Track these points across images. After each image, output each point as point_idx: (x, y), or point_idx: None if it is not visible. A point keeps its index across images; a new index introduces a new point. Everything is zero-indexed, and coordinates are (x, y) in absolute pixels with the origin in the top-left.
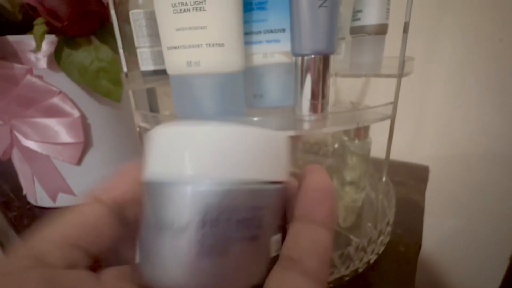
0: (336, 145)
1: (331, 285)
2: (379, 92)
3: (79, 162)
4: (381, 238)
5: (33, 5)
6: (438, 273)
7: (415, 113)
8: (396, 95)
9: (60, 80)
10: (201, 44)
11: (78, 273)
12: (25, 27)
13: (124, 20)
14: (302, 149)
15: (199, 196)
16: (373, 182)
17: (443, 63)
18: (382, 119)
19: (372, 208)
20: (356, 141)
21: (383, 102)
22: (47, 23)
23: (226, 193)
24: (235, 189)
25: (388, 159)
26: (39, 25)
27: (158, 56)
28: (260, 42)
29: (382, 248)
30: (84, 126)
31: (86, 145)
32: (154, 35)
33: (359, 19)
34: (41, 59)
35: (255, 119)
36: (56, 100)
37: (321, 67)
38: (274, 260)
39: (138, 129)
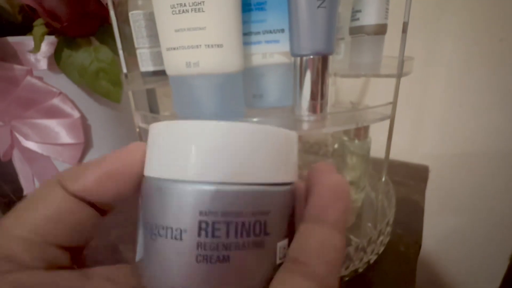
0: (336, 145)
1: None
2: (379, 91)
3: (79, 162)
4: (381, 238)
5: (32, 6)
6: (438, 272)
7: (415, 113)
8: (395, 95)
9: (60, 81)
10: (200, 45)
11: (61, 274)
12: (25, 28)
13: (124, 21)
14: (302, 149)
15: (200, 197)
16: (373, 182)
17: (443, 62)
18: (382, 119)
19: (372, 208)
20: (356, 141)
21: (383, 101)
22: (46, 24)
23: (228, 194)
24: (239, 190)
25: (387, 159)
26: (39, 26)
27: (158, 57)
28: (259, 42)
29: (382, 248)
30: (84, 127)
31: (86, 145)
32: (154, 36)
33: (358, 19)
34: (41, 60)
35: (255, 119)
36: (56, 101)
37: (320, 68)
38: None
39: (138, 130)
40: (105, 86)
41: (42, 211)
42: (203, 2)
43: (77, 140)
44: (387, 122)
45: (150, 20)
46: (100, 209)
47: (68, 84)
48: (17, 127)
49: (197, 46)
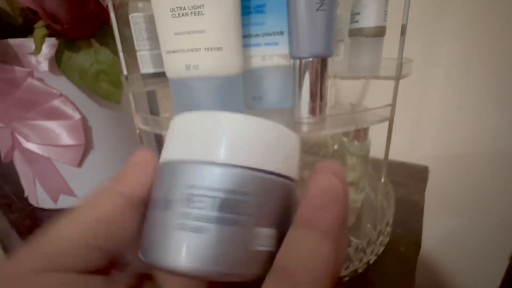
0: (335, 146)
1: None
2: (379, 93)
3: (80, 164)
4: (381, 238)
5: (33, 8)
6: (438, 272)
7: (415, 113)
8: (394, 97)
9: (60, 83)
10: (200, 48)
11: (95, 280)
12: (25, 31)
13: (124, 23)
14: (302, 150)
15: (187, 172)
16: (372, 182)
17: (442, 64)
18: (381, 121)
19: (372, 209)
20: (356, 142)
21: (383, 103)
22: (47, 26)
23: (214, 171)
24: (224, 169)
25: (386, 160)
26: (40, 28)
27: (158, 59)
28: (258, 45)
29: (381, 249)
30: (85, 128)
31: (87, 147)
32: (154, 38)
33: (357, 21)
34: (41, 62)
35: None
36: (57, 103)
37: (319, 70)
38: (262, 256)
39: (138, 131)
40: (105, 88)
41: (92, 214)
42: (203, 5)
43: (78, 141)
44: (386, 123)
45: (150, 23)
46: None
47: (69, 86)
48: (18, 128)
49: (196, 49)
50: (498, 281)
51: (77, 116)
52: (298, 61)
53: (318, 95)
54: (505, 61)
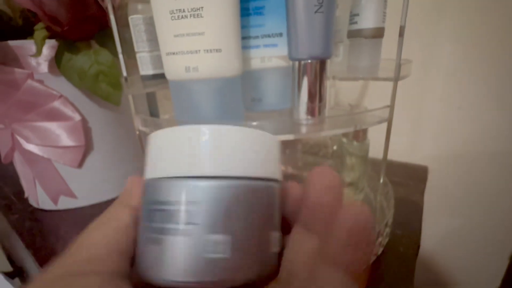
0: (335, 147)
1: None
2: (379, 93)
3: (80, 165)
4: (380, 239)
5: (33, 10)
6: (438, 273)
7: (415, 114)
8: (393, 98)
9: (60, 84)
10: (199, 50)
11: (123, 282)
12: (25, 32)
13: (124, 25)
14: (302, 150)
15: (147, 187)
16: (372, 183)
17: (442, 64)
18: (379, 122)
19: (371, 210)
20: (355, 143)
21: (382, 103)
22: (47, 28)
23: (164, 185)
24: (172, 182)
25: (385, 161)
26: (40, 30)
27: (158, 61)
28: (257, 46)
29: (381, 249)
30: (85, 130)
31: (87, 148)
32: (153, 40)
33: (356, 22)
34: (41, 64)
35: (254, 123)
36: (56, 104)
37: (317, 71)
38: (216, 263)
39: (137, 133)
40: (105, 89)
41: (112, 224)
42: (202, 7)
43: (78, 142)
44: (386, 123)
45: (150, 25)
46: None
47: (69, 87)
48: (18, 130)
49: (196, 51)
50: (498, 281)
51: (77, 117)
52: (297, 62)
53: (317, 96)
54: (505, 61)
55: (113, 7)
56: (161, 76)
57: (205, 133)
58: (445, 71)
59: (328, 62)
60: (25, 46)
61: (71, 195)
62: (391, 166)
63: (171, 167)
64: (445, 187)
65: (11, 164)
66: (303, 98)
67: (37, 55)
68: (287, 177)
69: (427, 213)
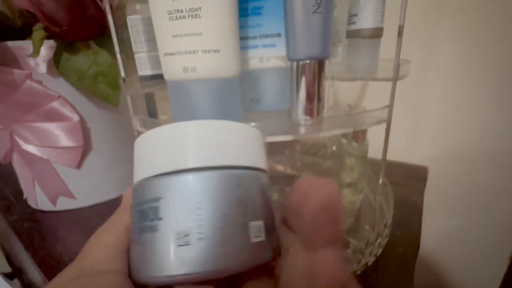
0: (334, 147)
1: None
2: (378, 93)
3: (79, 165)
4: (379, 240)
5: (32, 11)
6: (437, 273)
7: (414, 114)
8: (392, 98)
9: (59, 85)
10: (197, 50)
11: (128, 281)
12: (24, 33)
13: (122, 25)
14: (300, 151)
15: (133, 191)
16: (371, 183)
17: (441, 64)
18: (378, 122)
19: (370, 210)
20: (354, 143)
21: (381, 103)
22: (46, 29)
23: (139, 187)
24: (142, 183)
25: (384, 161)
26: (38, 31)
27: (156, 61)
28: (256, 47)
29: (380, 250)
30: (84, 130)
31: (85, 148)
32: (152, 40)
33: (354, 23)
34: (40, 64)
35: (253, 124)
36: (55, 105)
37: (316, 72)
38: (184, 252)
39: (136, 133)
40: (103, 90)
41: (118, 226)
42: (200, 8)
43: (77, 143)
44: (385, 124)
45: (148, 25)
46: None
47: (68, 88)
48: (17, 130)
49: (194, 52)
50: (498, 281)
51: (75, 118)
52: (295, 63)
53: (315, 96)
54: (504, 61)
55: (111, 8)
56: (160, 77)
57: (166, 132)
58: (444, 71)
59: (327, 62)
60: (24, 46)
61: (70, 195)
62: (390, 167)
63: (144, 170)
64: (444, 187)
65: (10, 165)
66: (302, 98)
67: (35, 55)
68: (286, 177)
69: (426, 214)
